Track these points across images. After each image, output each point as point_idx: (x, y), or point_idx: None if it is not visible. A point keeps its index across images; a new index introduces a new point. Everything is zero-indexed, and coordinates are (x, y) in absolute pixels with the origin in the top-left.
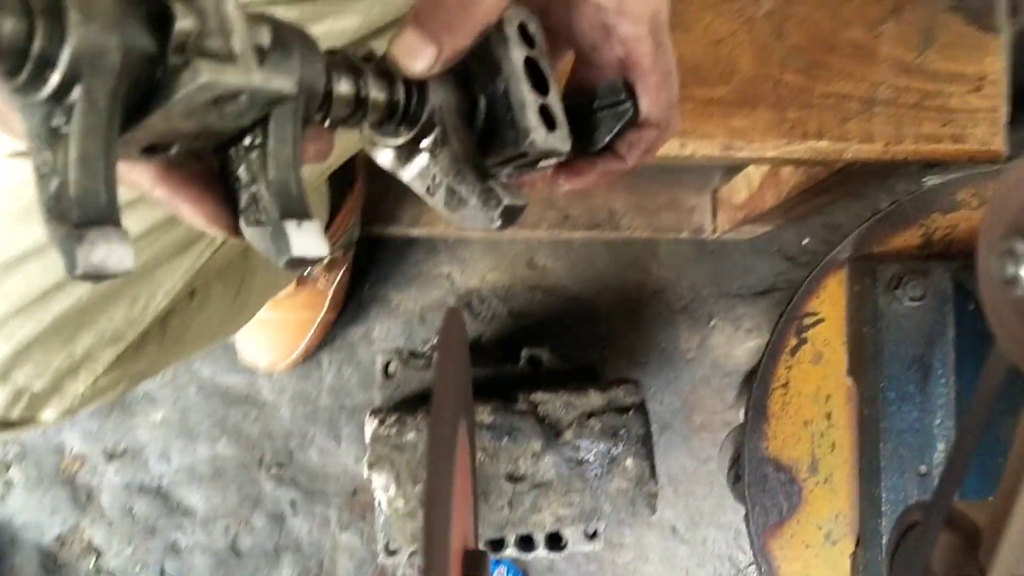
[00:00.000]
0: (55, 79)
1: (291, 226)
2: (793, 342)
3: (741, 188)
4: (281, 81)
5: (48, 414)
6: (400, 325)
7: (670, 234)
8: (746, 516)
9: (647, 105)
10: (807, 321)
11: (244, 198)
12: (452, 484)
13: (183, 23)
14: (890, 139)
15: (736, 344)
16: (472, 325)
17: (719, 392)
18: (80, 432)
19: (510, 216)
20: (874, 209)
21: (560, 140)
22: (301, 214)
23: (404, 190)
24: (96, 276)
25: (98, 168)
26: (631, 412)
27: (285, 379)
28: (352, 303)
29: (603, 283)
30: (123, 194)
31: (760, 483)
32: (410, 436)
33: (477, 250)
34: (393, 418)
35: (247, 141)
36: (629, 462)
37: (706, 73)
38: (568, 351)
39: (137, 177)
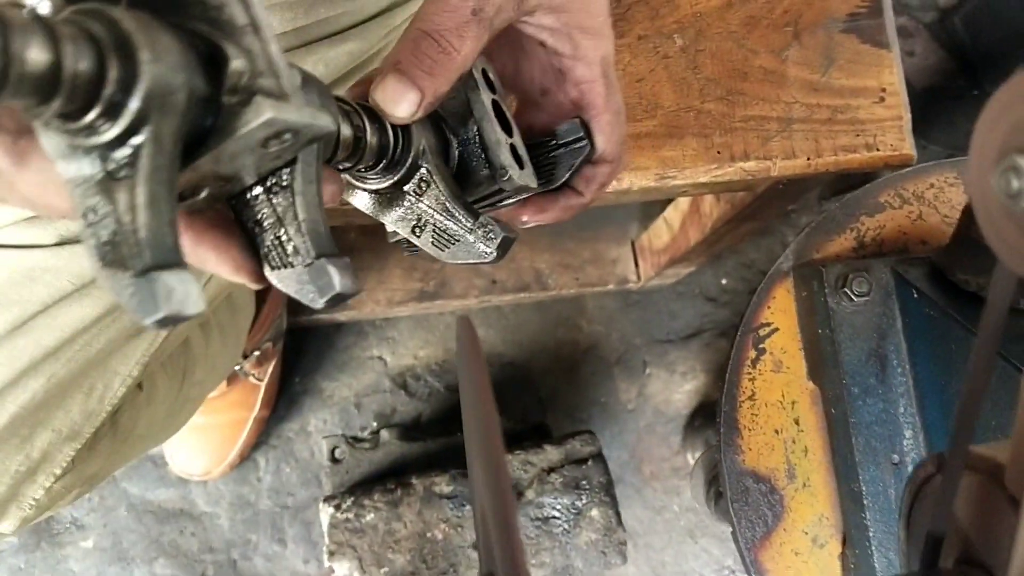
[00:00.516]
0: (125, 120)
1: (329, 264)
2: (752, 354)
3: (662, 232)
4: (326, 119)
5: (6, 525)
6: (336, 414)
7: (597, 288)
8: (733, 533)
9: (602, 142)
10: (762, 332)
11: (267, 242)
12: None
13: (237, 63)
14: (811, 153)
15: (674, 389)
16: (410, 405)
17: (665, 439)
18: (7, 569)
19: (506, 247)
20: (782, 242)
21: (529, 177)
22: (333, 252)
23: None
24: (175, 319)
25: (164, 210)
26: (590, 462)
27: (221, 486)
28: (284, 398)
29: (537, 345)
30: (78, 278)
31: (742, 497)
32: (369, 517)
33: (406, 328)
34: (349, 501)
35: (269, 183)
36: (595, 512)
37: (632, 110)
38: (512, 416)
39: None
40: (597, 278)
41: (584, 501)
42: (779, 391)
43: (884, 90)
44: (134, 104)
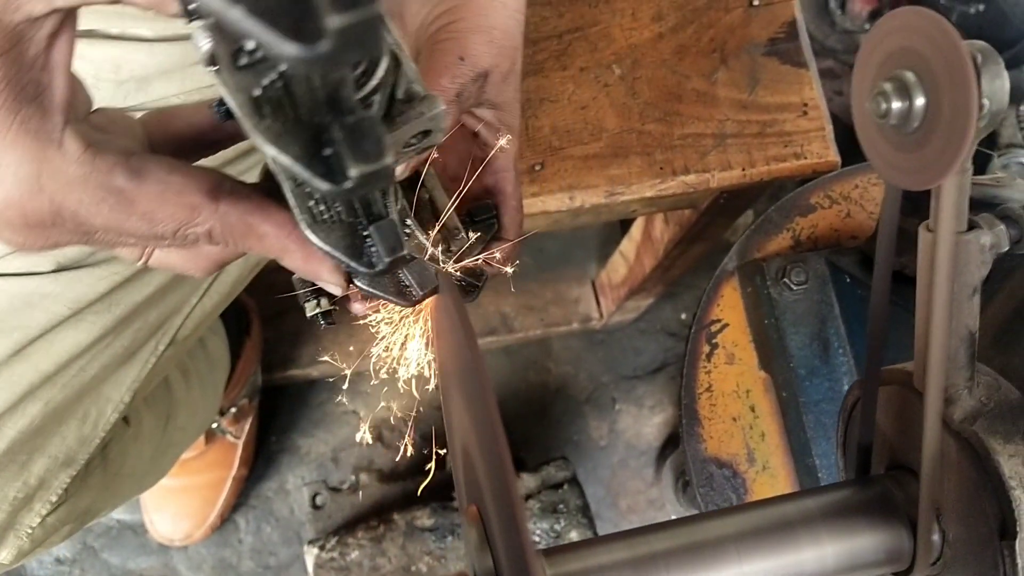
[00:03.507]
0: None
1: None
2: (706, 349)
3: (619, 266)
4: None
5: (4, 554)
6: (314, 471)
7: (561, 328)
8: None
9: (508, 222)
10: (714, 328)
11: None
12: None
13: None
14: (745, 164)
15: (643, 423)
16: (387, 456)
17: (638, 472)
18: None
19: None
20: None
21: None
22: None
23: (299, 331)
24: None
25: None
26: (565, 486)
27: (202, 550)
28: (261, 457)
29: (508, 389)
30: (74, 303)
31: (707, 483)
32: (354, 555)
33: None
34: (333, 541)
35: None
36: (574, 534)
37: (579, 134)
38: None
39: None
40: (561, 318)
41: (562, 524)
42: (734, 382)
43: (806, 105)
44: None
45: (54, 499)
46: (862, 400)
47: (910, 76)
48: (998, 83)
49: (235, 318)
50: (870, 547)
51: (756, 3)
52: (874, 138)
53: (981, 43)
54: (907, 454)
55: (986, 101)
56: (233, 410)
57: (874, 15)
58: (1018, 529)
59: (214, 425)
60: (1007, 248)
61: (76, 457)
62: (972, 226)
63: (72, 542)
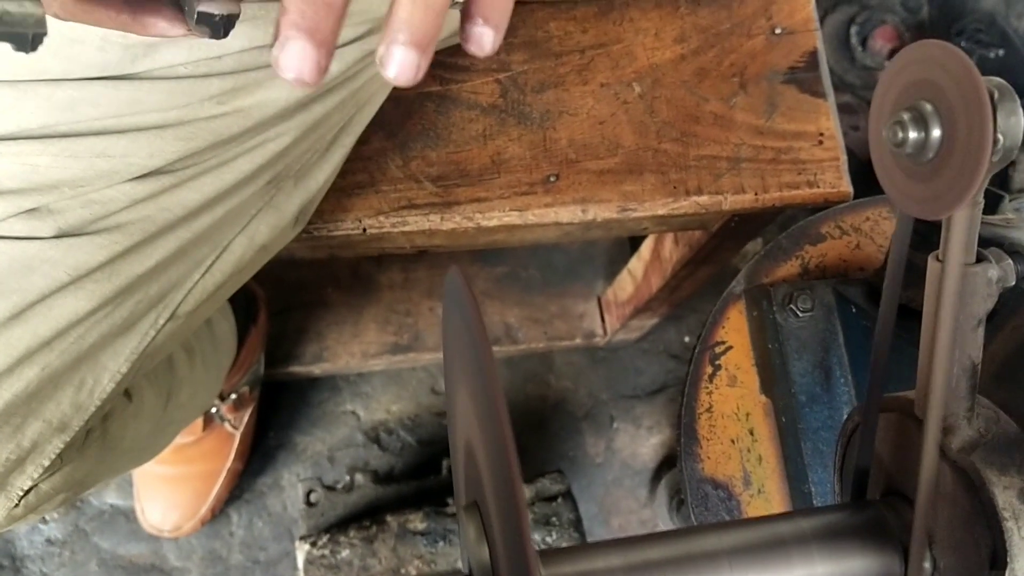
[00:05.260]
0: None
1: None
2: (709, 370)
3: (626, 284)
4: None
5: None
6: (309, 469)
7: (564, 342)
8: None
9: None
10: (718, 350)
11: None
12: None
13: None
14: (758, 189)
15: (640, 443)
16: (383, 459)
17: (632, 492)
18: None
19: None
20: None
21: None
22: None
23: (304, 328)
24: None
25: None
26: (559, 499)
27: (193, 540)
28: (257, 452)
29: (507, 400)
30: (74, 270)
31: (702, 503)
32: (344, 554)
33: (379, 383)
34: (325, 538)
35: None
36: None
37: (595, 149)
38: None
39: None
40: (565, 332)
41: (554, 537)
42: (734, 404)
43: (822, 134)
44: None
45: (46, 463)
46: (862, 424)
47: (928, 107)
48: (1013, 120)
49: (244, 304)
50: (861, 570)
51: (778, 31)
52: (889, 166)
53: (998, 80)
54: (903, 481)
55: (1001, 136)
56: (233, 396)
57: (894, 53)
58: (1008, 560)
59: (213, 410)
60: (1013, 283)
61: (70, 423)
62: (980, 259)
63: (64, 523)
